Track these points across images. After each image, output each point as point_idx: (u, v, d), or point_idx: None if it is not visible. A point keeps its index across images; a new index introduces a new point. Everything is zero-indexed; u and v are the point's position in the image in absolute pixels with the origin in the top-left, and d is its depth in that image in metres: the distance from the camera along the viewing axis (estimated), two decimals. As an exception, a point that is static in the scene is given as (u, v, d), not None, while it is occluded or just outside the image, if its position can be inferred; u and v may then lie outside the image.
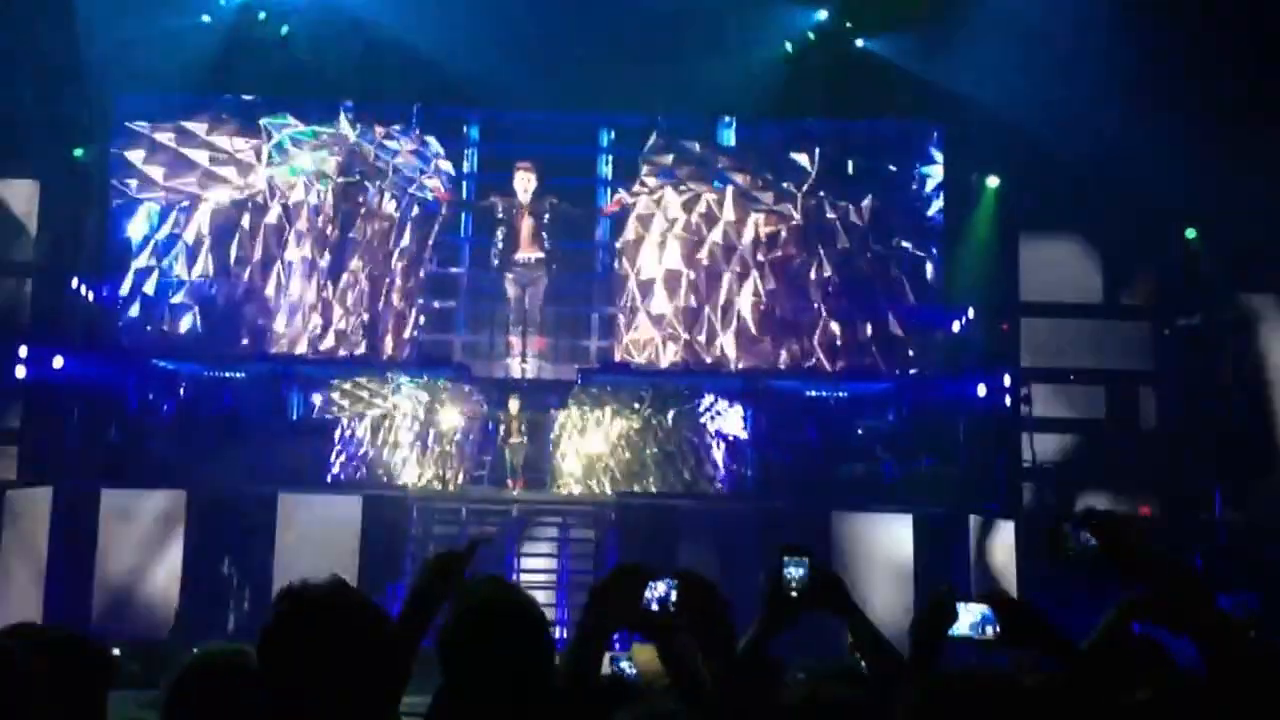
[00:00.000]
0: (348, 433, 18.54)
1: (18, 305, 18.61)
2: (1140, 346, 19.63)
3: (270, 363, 18.90)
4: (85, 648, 3.56)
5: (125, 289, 19.20)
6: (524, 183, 19.30)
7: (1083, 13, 17.48)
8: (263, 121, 19.59)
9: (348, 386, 18.89)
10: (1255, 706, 2.90)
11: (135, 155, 19.30)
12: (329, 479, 17.85)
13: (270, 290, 19.41)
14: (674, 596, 3.61)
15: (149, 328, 19.06)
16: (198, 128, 19.45)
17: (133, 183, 19.29)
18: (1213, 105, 17.27)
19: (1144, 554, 2.90)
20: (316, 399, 18.84)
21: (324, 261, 19.60)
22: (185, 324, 19.18)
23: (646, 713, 3.06)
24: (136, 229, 19.31)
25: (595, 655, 3.49)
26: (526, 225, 19.25)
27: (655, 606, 3.60)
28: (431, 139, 19.94)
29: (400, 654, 3.03)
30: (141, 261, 19.24)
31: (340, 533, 16.27)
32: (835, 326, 19.66)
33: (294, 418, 18.61)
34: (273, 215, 19.51)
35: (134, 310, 19.14)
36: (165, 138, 19.37)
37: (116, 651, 8.07)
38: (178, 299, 19.21)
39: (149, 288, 19.16)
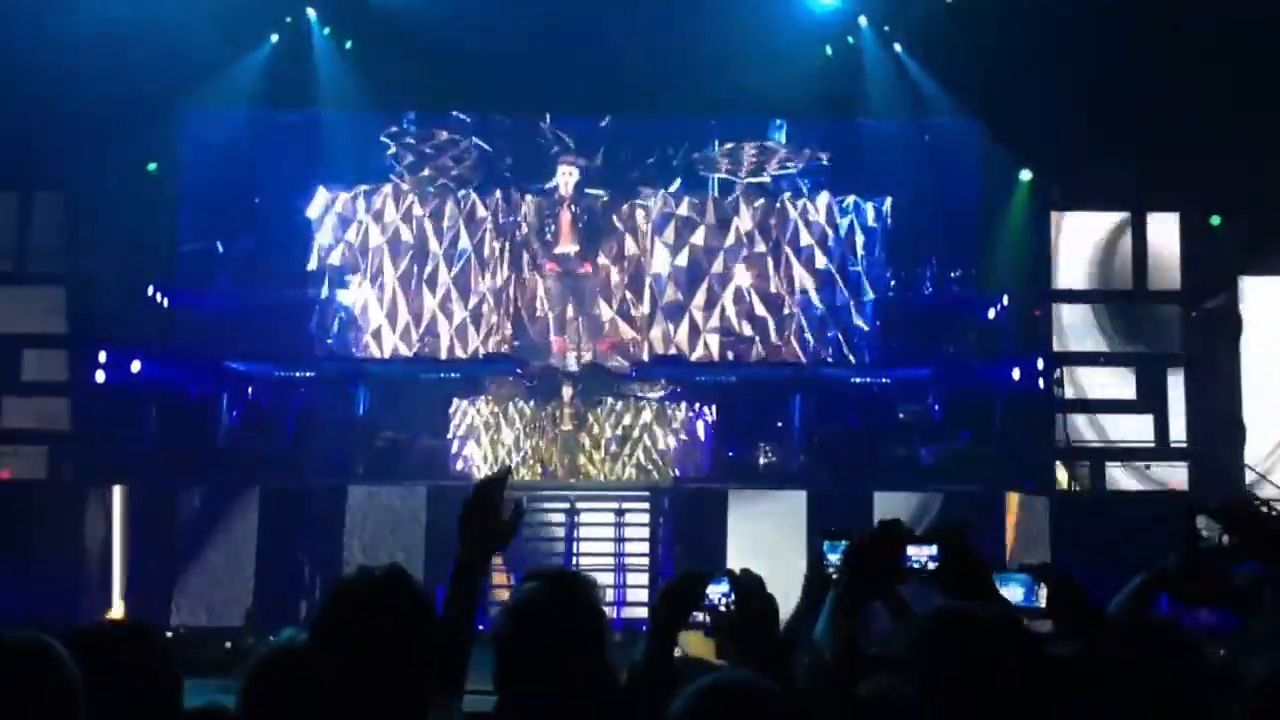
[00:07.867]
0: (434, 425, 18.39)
1: (96, 312, 18.59)
2: (1168, 329, 19.47)
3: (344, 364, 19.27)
4: (148, 638, 3.36)
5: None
6: (566, 177, 19.44)
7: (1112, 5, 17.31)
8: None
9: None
10: None
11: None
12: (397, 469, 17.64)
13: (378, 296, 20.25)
14: (730, 595, 3.55)
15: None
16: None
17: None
18: (1240, 93, 17.08)
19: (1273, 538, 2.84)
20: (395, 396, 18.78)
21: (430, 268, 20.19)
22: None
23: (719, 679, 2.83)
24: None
25: (665, 653, 3.47)
26: (566, 219, 19.34)
27: (716, 603, 3.55)
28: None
29: (451, 641, 3.10)
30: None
31: (408, 522, 16.11)
32: (877, 316, 19.79)
33: (361, 414, 18.39)
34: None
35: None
36: None
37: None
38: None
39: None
